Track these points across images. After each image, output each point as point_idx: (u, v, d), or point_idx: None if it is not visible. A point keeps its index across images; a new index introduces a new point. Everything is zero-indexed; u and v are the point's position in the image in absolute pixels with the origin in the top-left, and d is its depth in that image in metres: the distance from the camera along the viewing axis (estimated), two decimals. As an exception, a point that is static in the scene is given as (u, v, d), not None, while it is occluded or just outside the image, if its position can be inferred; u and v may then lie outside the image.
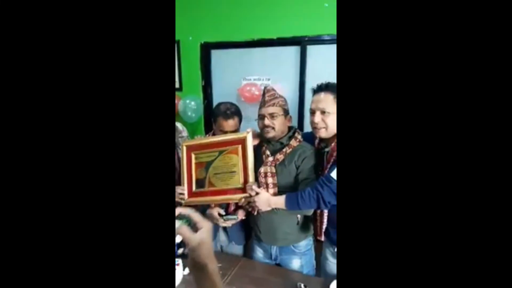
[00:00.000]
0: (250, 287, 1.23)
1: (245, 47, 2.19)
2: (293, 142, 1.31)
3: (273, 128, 1.29)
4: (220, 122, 1.41)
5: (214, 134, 1.50)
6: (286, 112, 1.34)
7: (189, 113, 2.24)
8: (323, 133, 1.22)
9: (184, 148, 1.43)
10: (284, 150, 1.31)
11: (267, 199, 1.24)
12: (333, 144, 1.23)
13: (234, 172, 1.34)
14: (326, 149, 1.26)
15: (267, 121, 1.29)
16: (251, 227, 1.50)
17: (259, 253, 1.47)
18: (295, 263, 1.39)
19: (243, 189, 1.31)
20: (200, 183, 1.41)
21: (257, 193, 1.25)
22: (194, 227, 0.54)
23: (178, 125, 1.90)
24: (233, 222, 1.44)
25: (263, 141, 1.39)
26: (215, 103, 2.29)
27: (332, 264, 1.32)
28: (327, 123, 1.19)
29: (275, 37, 2.07)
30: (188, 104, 2.23)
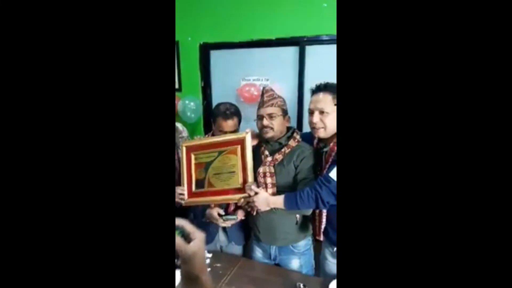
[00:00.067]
0: (249, 287, 1.23)
1: (244, 48, 2.18)
2: (292, 142, 1.32)
3: (272, 128, 1.30)
4: (220, 123, 1.41)
5: (213, 135, 1.50)
6: (284, 113, 1.34)
7: (189, 114, 2.24)
8: (321, 133, 1.22)
9: (184, 148, 1.44)
10: (282, 150, 1.31)
11: (266, 199, 1.24)
12: (331, 144, 1.23)
13: (233, 172, 1.35)
14: (325, 149, 1.26)
15: (265, 122, 1.29)
16: (250, 227, 1.51)
17: (258, 253, 1.47)
18: (294, 263, 1.40)
19: (242, 189, 1.31)
20: (199, 183, 1.41)
21: (256, 193, 1.25)
22: (187, 238, 0.54)
23: (179, 125, 1.90)
24: (233, 222, 1.44)
25: (262, 141, 1.39)
26: (214, 103, 2.29)
27: (331, 264, 1.32)
28: (326, 123, 1.19)
29: (274, 38, 2.07)
30: (188, 105, 2.23)
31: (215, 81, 2.38)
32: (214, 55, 2.32)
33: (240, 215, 1.46)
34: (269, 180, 1.30)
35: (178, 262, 0.54)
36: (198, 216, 1.54)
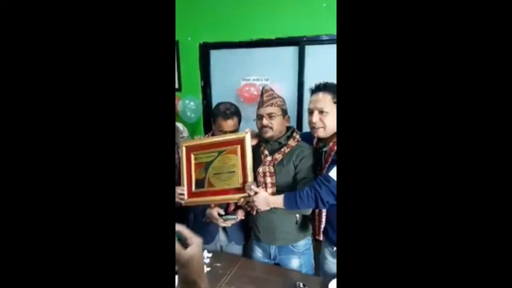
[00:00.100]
0: (249, 286, 1.24)
1: (244, 48, 2.19)
2: (291, 142, 1.32)
3: (271, 128, 1.30)
4: (220, 122, 1.41)
5: (213, 134, 1.50)
6: (284, 112, 1.34)
7: (188, 114, 2.24)
8: (321, 133, 1.22)
9: (184, 148, 1.44)
10: (282, 149, 1.31)
11: (266, 199, 1.25)
12: (331, 144, 1.23)
13: (233, 172, 1.35)
14: (324, 149, 1.27)
15: (265, 121, 1.29)
16: (250, 227, 1.51)
17: (258, 252, 1.48)
18: (294, 263, 1.40)
19: (242, 189, 1.32)
20: (199, 183, 1.41)
21: (256, 193, 1.25)
22: (184, 243, 0.54)
23: (179, 125, 1.90)
24: (233, 222, 1.45)
25: (262, 141, 1.39)
26: (214, 103, 2.29)
27: (330, 263, 1.33)
28: (325, 122, 1.19)
29: (273, 38, 2.08)
30: (187, 105, 2.24)
31: (215, 81, 2.38)
32: (214, 55, 2.33)
33: (240, 215, 1.46)
34: (268, 179, 1.30)
35: (176, 266, 0.54)
36: (198, 216, 1.54)
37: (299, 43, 2.04)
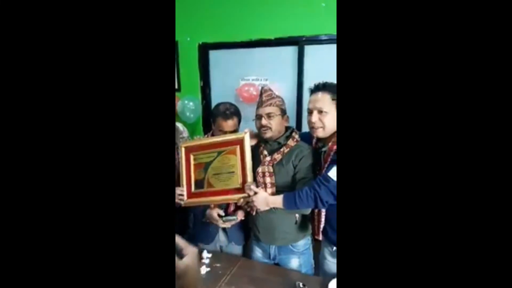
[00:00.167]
0: (249, 286, 1.24)
1: (243, 48, 2.19)
2: (291, 142, 1.32)
3: (270, 128, 1.30)
4: (220, 122, 1.42)
5: (213, 135, 1.50)
6: (283, 112, 1.34)
7: (188, 114, 2.24)
8: (320, 133, 1.22)
9: (183, 149, 1.44)
10: (281, 149, 1.31)
11: (265, 199, 1.25)
12: (330, 144, 1.23)
13: (232, 172, 1.35)
14: (324, 149, 1.27)
15: (264, 121, 1.30)
16: (250, 227, 1.51)
17: (258, 253, 1.48)
18: (294, 263, 1.40)
19: (241, 189, 1.32)
20: (199, 184, 1.41)
21: (255, 193, 1.25)
22: (179, 254, 0.53)
23: (179, 125, 1.90)
24: (233, 223, 1.45)
25: (261, 141, 1.39)
26: (213, 103, 2.29)
27: (330, 263, 1.33)
28: (325, 122, 1.19)
29: (272, 38, 2.08)
30: (187, 105, 2.24)
31: (214, 81, 2.38)
32: (213, 55, 2.33)
33: (240, 215, 1.46)
34: (268, 179, 1.30)
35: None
36: (198, 216, 1.54)
37: (298, 43, 2.04)
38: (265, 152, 1.34)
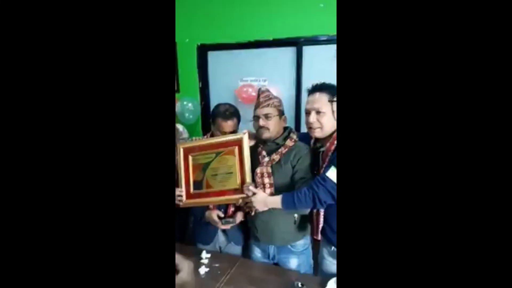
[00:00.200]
0: (248, 286, 1.24)
1: (242, 49, 2.20)
2: (289, 142, 1.33)
3: (268, 129, 1.31)
4: (219, 123, 1.42)
5: (212, 135, 1.51)
6: (281, 113, 1.35)
7: (187, 115, 2.25)
8: (318, 133, 1.23)
9: (181, 150, 1.44)
10: (280, 150, 1.32)
11: (264, 199, 1.25)
12: (328, 144, 1.24)
13: (231, 173, 1.36)
14: (322, 149, 1.27)
15: (262, 122, 1.30)
16: (249, 228, 1.51)
17: (257, 253, 1.48)
18: (293, 262, 1.40)
19: (240, 190, 1.32)
20: (197, 184, 1.42)
21: (254, 194, 1.26)
22: (175, 269, 0.53)
23: (179, 126, 1.91)
24: (232, 225, 1.45)
25: (259, 142, 1.40)
26: (212, 104, 2.30)
27: (329, 263, 1.33)
28: (322, 123, 1.20)
29: (271, 38, 2.08)
30: (186, 106, 2.24)
31: (213, 82, 2.39)
32: (212, 56, 2.34)
33: (239, 217, 1.47)
34: (266, 180, 1.31)
35: None
36: (198, 216, 1.55)
37: (297, 43, 2.05)
38: (264, 153, 1.35)
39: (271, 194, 1.28)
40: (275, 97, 1.36)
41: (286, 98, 2.09)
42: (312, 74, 2.01)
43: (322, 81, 1.26)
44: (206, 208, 1.48)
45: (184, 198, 1.41)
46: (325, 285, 1.18)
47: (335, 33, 1.89)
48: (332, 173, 1.13)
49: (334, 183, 1.12)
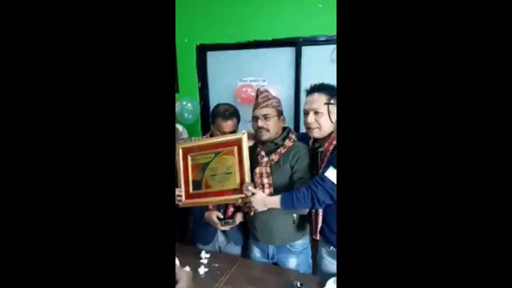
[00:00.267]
0: (247, 286, 1.24)
1: (241, 49, 2.20)
2: (287, 143, 1.33)
3: (268, 130, 1.31)
4: (219, 123, 1.43)
5: (212, 135, 1.51)
6: (279, 113, 1.35)
7: (186, 115, 2.25)
8: (316, 133, 1.23)
9: (180, 150, 1.44)
10: (278, 150, 1.32)
11: (263, 199, 1.25)
12: (326, 144, 1.24)
13: (230, 173, 1.36)
14: (320, 149, 1.28)
15: (261, 123, 1.31)
16: (249, 228, 1.52)
17: (256, 252, 1.49)
18: (292, 262, 1.41)
19: (239, 190, 1.33)
20: (197, 184, 1.42)
21: (253, 194, 1.26)
22: None
23: (179, 127, 1.91)
24: (232, 226, 1.46)
25: (258, 142, 1.40)
26: (211, 104, 2.30)
27: (328, 262, 1.33)
28: (321, 123, 1.20)
29: (270, 39, 2.09)
30: (185, 106, 2.25)
31: (212, 82, 2.39)
32: (211, 56, 2.34)
33: (239, 218, 1.47)
34: (265, 180, 1.31)
35: None
36: (197, 216, 1.55)
37: (296, 44, 2.05)
38: (263, 153, 1.35)
39: (270, 194, 1.29)
40: (274, 98, 1.36)
41: (285, 98, 2.09)
42: (311, 74, 2.02)
43: (321, 82, 1.27)
44: (206, 208, 1.49)
45: (183, 198, 1.42)
46: (324, 285, 1.18)
47: (334, 33, 1.90)
48: (330, 173, 1.13)
49: (333, 183, 1.12)
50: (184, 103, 2.25)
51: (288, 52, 2.11)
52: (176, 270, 0.54)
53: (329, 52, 1.95)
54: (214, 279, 1.27)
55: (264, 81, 2.19)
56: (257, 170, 1.32)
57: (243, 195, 1.30)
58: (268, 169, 1.31)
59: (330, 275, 1.23)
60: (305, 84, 1.95)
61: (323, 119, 1.20)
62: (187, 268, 1.30)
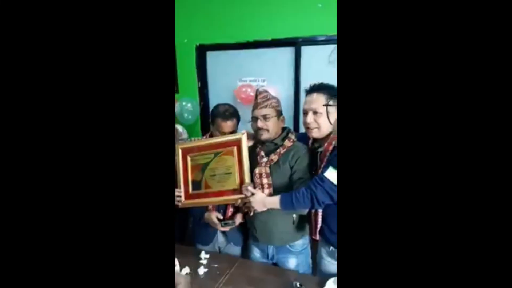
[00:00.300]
0: (247, 286, 1.24)
1: (241, 49, 2.20)
2: (287, 143, 1.33)
3: (267, 130, 1.31)
4: (219, 123, 1.43)
5: (211, 135, 1.51)
6: (279, 113, 1.35)
7: (186, 115, 2.25)
8: (315, 133, 1.23)
9: (180, 150, 1.44)
10: (278, 150, 1.32)
11: (263, 200, 1.25)
12: (326, 144, 1.24)
13: (230, 173, 1.36)
14: (320, 149, 1.28)
15: (260, 123, 1.31)
16: (248, 228, 1.52)
17: (256, 253, 1.49)
18: (291, 262, 1.41)
19: (239, 190, 1.33)
20: (196, 185, 1.42)
21: (252, 194, 1.26)
22: None
23: (179, 127, 1.91)
24: (232, 227, 1.46)
25: (258, 142, 1.40)
26: (211, 104, 2.30)
27: (327, 263, 1.33)
28: (320, 123, 1.20)
29: (270, 39, 2.09)
30: (185, 106, 2.25)
31: (212, 82, 2.39)
32: (211, 56, 2.34)
33: (239, 219, 1.48)
34: (265, 180, 1.31)
35: None
36: (197, 217, 1.55)
37: (295, 43, 2.05)
38: (262, 153, 1.35)
39: (270, 195, 1.29)
40: (273, 98, 1.36)
41: (285, 98, 2.09)
42: (311, 74, 2.02)
43: (320, 82, 1.27)
44: (206, 209, 1.49)
45: (183, 198, 1.42)
46: (324, 285, 1.18)
47: (333, 33, 1.90)
48: (330, 173, 1.13)
49: (332, 183, 1.12)
50: (184, 103, 2.25)
51: (287, 52, 2.11)
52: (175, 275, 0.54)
53: (329, 52, 1.95)
54: (213, 280, 1.27)
55: (263, 81, 2.19)
56: (257, 170, 1.32)
57: (242, 196, 1.30)
58: (268, 169, 1.31)
59: (330, 275, 1.23)
60: (305, 84, 1.95)
61: (322, 119, 1.20)
62: (187, 269, 1.31)
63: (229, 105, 1.49)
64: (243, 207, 1.38)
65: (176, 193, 1.41)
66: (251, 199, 1.26)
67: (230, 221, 1.44)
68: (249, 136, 1.40)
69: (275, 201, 1.23)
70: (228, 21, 2.17)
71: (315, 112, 1.20)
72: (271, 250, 1.43)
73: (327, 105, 1.20)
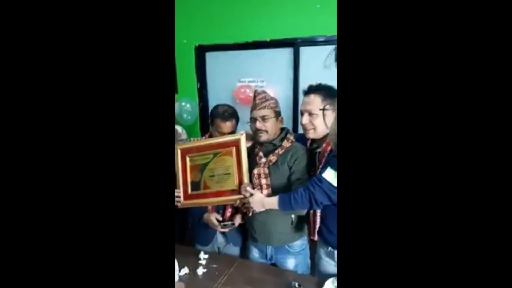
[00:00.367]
0: (245, 287, 1.25)
1: (240, 50, 2.20)
2: (285, 143, 1.33)
3: (266, 131, 1.31)
4: (218, 124, 1.43)
5: (210, 136, 1.52)
6: (277, 114, 1.36)
7: (185, 116, 2.25)
8: (311, 134, 1.24)
9: (179, 151, 1.45)
10: (276, 151, 1.33)
11: (261, 200, 1.26)
12: (324, 145, 1.24)
13: (228, 174, 1.36)
14: (318, 150, 1.28)
15: (259, 124, 1.31)
16: (247, 229, 1.52)
17: (255, 253, 1.49)
18: (290, 263, 1.41)
19: (237, 191, 1.33)
20: (195, 185, 1.42)
21: (251, 194, 1.26)
22: None
23: (178, 128, 1.91)
24: (231, 228, 1.46)
25: (256, 143, 1.40)
26: (210, 105, 2.30)
27: (326, 263, 1.33)
28: (315, 124, 1.21)
29: (268, 39, 2.09)
30: (184, 107, 2.25)
31: (211, 83, 2.39)
32: (210, 57, 2.34)
33: (238, 220, 1.48)
34: (264, 181, 1.32)
35: None
36: (196, 217, 1.55)
37: (294, 44, 2.05)
38: (261, 154, 1.35)
39: (268, 195, 1.29)
40: (272, 98, 1.36)
41: (284, 98, 2.10)
42: (309, 75, 2.02)
43: (318, 82, 1.27)
44: (205, 209, 1.49)
45: (182, 199, 1.42)
46: (322, 285, 1.18)
47: (332, 34, 1.90)
48: (328, 174, 1.13)
49: (331, 184, 1.12)
50: (183, 104, 2.25)
51: (286, 53, 2.11)
52: None
53: (328, 52, 1.95)
54: (212, 280, 1.27)
55: (262, 81, 2.19)
56: (255, 171, 1.33)
57: (241, 196, 1.30)
58: (266, 170, 1.32)
59: (328, 276, 1.24)
60: (303, 85, 1.96)
61: (318, 121, 1.20)
62: (186, 269, 1.31)
63: (228, 105, 1.50)
64: (242, 208, 1.38)
65: (176, 194, 1.41)
66: (250, 199, 1.26)
67: (229, 223, 1.44)
68: (248, 137, 1.41)
69: (273, 202, 1.24)
70: (227, 22, 2.17)
71: (310, 114, 1.21)
72: (269, 250, 1.44)
73: (323, 109, 1.21)
